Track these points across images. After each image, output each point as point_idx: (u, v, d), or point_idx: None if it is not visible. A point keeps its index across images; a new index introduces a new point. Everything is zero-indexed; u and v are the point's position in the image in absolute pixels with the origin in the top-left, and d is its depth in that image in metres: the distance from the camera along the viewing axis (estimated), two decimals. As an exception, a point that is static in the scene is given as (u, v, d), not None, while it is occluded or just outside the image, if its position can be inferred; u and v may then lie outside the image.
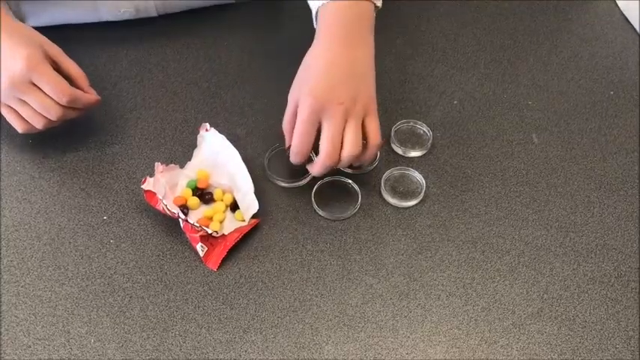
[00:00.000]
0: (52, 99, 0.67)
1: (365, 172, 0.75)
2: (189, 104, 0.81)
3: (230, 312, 0.64)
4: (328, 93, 0.65)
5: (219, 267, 0.67)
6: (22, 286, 0.66)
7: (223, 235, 0.68)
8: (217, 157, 0.73)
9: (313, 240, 0.69)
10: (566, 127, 0.80)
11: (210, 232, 0.66)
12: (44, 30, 0.72)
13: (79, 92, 0.70)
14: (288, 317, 0.64)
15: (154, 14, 0.87)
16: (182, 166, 0.73)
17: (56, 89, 0.67)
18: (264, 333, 0.63)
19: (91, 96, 0.72)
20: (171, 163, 0.73)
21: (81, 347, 0.62)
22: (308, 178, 0.74)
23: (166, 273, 0.67)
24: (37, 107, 0.68)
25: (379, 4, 0.71)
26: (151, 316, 0.64)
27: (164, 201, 0.67)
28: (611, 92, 0.84)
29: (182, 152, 0.74)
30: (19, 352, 0.61)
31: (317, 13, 0.70)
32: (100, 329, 0.63)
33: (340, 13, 0.69)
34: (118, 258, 0.67)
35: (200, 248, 0.66)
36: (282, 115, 0.80)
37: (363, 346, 0.62)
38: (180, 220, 0.67)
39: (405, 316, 0.64)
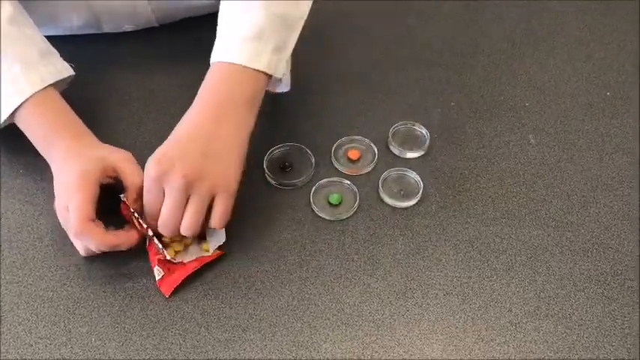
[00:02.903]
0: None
1: (363, 173, 0.76)
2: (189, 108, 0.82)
3: (229, 311, 0.65)
4: (171, 163, 0.62)
5: (171, 294, 0.65)
6: (24, 286, 0.66)
7: (182, 262, 0.67)
8: None
9: (311, 240, 0.70)
10: (563, 128, 0.81)
11: (168, 258, 0.66)
12: (48, 39, 0.73)
13: (113, 243, 0.65)
14: (286, 316, 0.65)
15: (155, 25, 0.89)
16: None
17: (96, 243, 0.64)
18: (262, 332, 0.64)
19: (128, 238, 0.66)
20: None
21: (82, 346, 0.62)
22: (306, 180, 0.74)
23: (166, 273, 0.67)
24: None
25: (279, 75, 0.69)
26: (151, 315, 0.64)
27: (136, 213, 0.67)
28: (608, 93, 0.85)
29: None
30: (21, 350, 0.62)
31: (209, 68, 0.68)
32: (101, 328, 0.64)
33: (227, 76, 0.67)
34: (119, 258, 0.68)
35: (157, 272, 0.66)
36: (280, 117, 0.81)
37: (361, 345, 0.63)
38: (147, 236, 0.67)
39: (403, 315, 0.65)
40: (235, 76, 0.68)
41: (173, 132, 0.67)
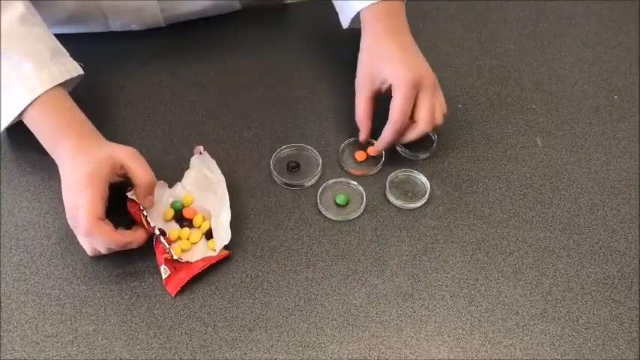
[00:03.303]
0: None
1: (370, 174, 0.76)
2: (196, 108, 0.82)
3: (236, 311, 0.65)
4: (419, 68, 0.73)
5: (177, 293, 0.65)
6: (31, 285, 0.66)
7: (189, 261, 0.67)
8: (205, 181, 0.73)
9: (318, 240, 0.70)
10: (570, 131, 0.81)
11: (175, 257, 0.66)
12: (56, 38, 0.74)
13: (122, 242, 0.65)
14: (293, 316, 0.65)
15: (162, 25, 0.89)
16: (171, 185, 0.73)
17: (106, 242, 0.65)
18: (269, 332, 0.64)
19: (137, 237, 0.67)
20: (177, 165, 0.74)
21: (88, 345, 0.62)
22: (313, 180, 0.75)
23: (173, 272, 0.67)
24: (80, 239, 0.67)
25: None
26: (158, 314, 0.64)
27: (145, 211, 0.67)
28: (615, 97, 0.85)
29: (189, 155, 0.75)
30: (28, 349, 0.62)
31: (358, 14, 0.78)
32: (108, 327, 0.64)
33: (383, 11, 0.76)
34: (126, 257, 0.68)
35: (163, 270, 0.66)
36: (286, 118, 0.81)
37: (368, 346, 0.63)
38: (154, 235, 0.67)
39: (409, 316, 0.65)
40: (386, 9, 0.76)
41: (376, 53, 0.75)
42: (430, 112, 0.72)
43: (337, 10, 0.83)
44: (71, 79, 0.72)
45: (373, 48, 0.75)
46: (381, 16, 0.76)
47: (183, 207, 0.71)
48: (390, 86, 0.72)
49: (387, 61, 0.73)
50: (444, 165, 0.77)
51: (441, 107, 0.74)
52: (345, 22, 0.81)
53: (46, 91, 0.68)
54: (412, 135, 0.73)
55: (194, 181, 0.73)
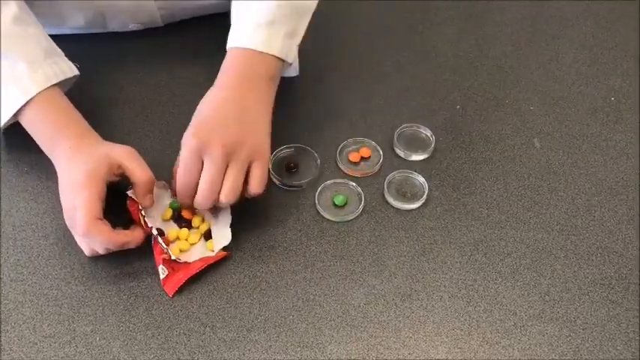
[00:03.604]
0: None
1: (368, 175, 0.76)
2: (195, 107, 0.82)
3: (234, 311, 0.65)
4: (210, 134, 0.65)
5: (175, 293, 0.65)
6: (28, 285, 0.66)
7: (187, 262, 0.67)
8: None
9: (317, 241, 0.70)
10: (567, 132, 0.81)
11: (173, 257, 0.66)
12: (53, 38, 0.73)
13: (118, 242, 0.65)
14: (291, 317, 0.65)
15: (160, 24, 0.89)
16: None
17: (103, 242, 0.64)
18: (267, 332, 0.64)
19: (135, 237, 0.66)
20: (175, 166, 0.74)
21: (86, 345, 0.62)
22: (312, 181, 0.75)
23: (171, 273, 0.67)
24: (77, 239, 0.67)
25: (290, 61, 0.73)
26: (156, 314, 0.64)
27: (143, 211, 0.67)
28: (612, 98, 0.85)
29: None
30: (26, 349, 0.62)
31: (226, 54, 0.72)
32: (105, 327, 0.63)
33: (244, 59, 0.71)
34: (124, 258, 0.68)
35: (161, 270, 0.65)
36: (286, 118, 0.81)
37: (366, 346, 0.63)
38: (152, 235, 0.67)
39: (408, 317, 0.65)
40: (252, 59, 0.71)
41: (201, 107, 0.69)
42: (206, 184, 0.64)
43: None
44: (66, 80, 0.72)
45: (200, 103, 0.69)
46: (236, 66, 0.70)
47: (182, 207, 0.71)
48: None
49: (192, 122, 0.67)
50: (442, 166, 0.77)
51: (232, 183, 0.64)
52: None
53: (42, 92, 0.68)
54: (195, 203, 0.66)
55: None
